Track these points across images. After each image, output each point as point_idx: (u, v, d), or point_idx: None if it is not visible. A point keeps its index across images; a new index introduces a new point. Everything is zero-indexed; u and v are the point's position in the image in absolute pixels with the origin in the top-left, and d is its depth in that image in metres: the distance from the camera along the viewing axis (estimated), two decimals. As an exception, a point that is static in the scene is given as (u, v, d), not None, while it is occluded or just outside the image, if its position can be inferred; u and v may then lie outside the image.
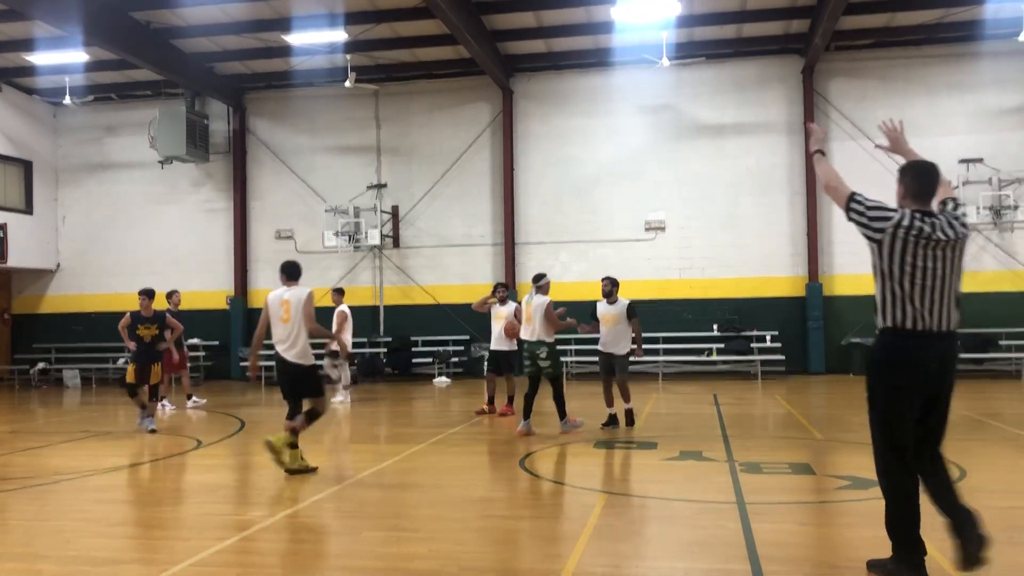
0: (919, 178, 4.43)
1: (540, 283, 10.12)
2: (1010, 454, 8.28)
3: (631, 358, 10.43)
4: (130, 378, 11.09)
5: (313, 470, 7.75)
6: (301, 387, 7.79)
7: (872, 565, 4.57)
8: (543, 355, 9.83)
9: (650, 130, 19.08)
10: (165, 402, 13.58)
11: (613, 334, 10.30)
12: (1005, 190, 17.14)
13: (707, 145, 18.77)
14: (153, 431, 10.74)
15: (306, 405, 7.82)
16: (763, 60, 18.68)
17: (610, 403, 10.37)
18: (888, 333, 4.34)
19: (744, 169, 18.51)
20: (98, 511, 6.67)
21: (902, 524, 4.34)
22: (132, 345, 11.13)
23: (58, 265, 21.59)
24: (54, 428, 12.02)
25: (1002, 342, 17.06)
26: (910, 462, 4.35)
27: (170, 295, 13.88)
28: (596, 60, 19.07)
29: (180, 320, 12.88)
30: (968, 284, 17.28)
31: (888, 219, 4.31)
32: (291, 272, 7.88)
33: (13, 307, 21.82)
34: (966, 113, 17.87)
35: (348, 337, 14.34)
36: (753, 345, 18.01)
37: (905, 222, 4.27)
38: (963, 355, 16.94)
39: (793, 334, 18.12)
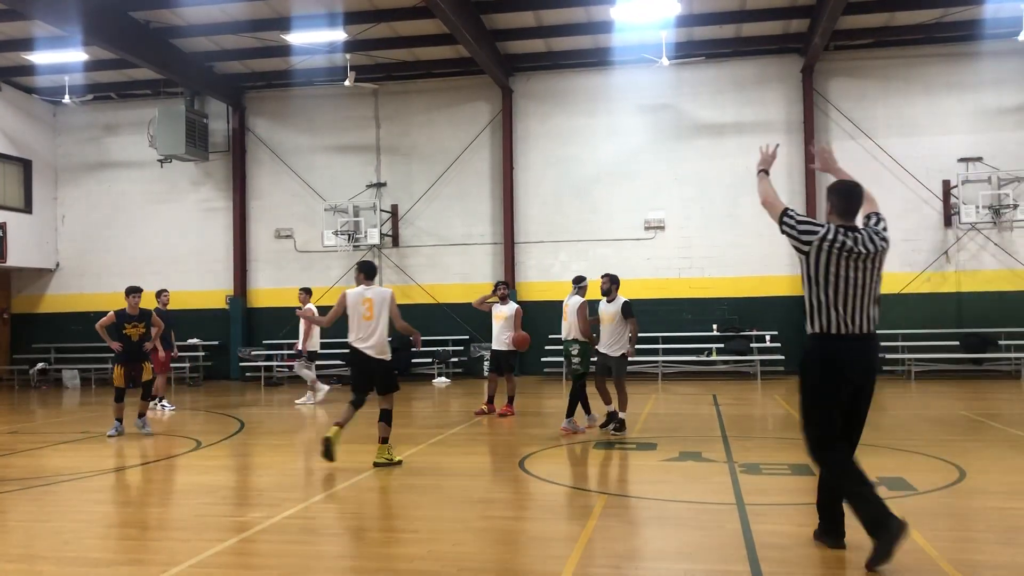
0: (843, 197, 4.94)
1: (580, 284, 10.39)
2: (1010, 455, 8.28)
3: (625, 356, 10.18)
4: (119, 382, 10.60)
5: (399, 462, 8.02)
6: (379, 381, 8.06)
7: (872, 564, 4.60)
8: (575, 352, 10.06)
9: (650, 130, 19.09)
10: (165, 402, 13.59)
11: (608, 334, 10.08)
12: (1004, 189, 17.15)
13: (707, 145, 18.77)
14: (149, 433, 10.55)
15: (381, 403, 8.08)
16: (762, 60, 18.68)
17: (607, 400, 10.25)
18: (816, 337, 4.84)
19: (744, 169, 18.48)
20: (97, 512, 6.68)
21: (863, 499, 4.62)
22: (116, 346, 10.63)
23: (57, 264, 21.58)
24: (53, 429, 12.01)
25: (1001, 342, 17.06)
26: (837, 443, 4.82)
27: (159, 294, 13.80)
28: (596, 60, 19.07)
29: (171, 319, 12.87)
30: (967, 283, 17.22)
31: (815, 233, 4.79)
32: (369, 272, 8.38)
33: (12, 306, 21.82)
34: (965, 112, 17.88)
35: (316, 338, 14.37)
36: (753, 345, 18.01)
37: (830, 236, 4.75)
38: (962, 355, 17.06)
39: (792, 334, 18.09)
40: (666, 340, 18.36)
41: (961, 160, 17.62)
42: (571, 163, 19.33)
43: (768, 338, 18.00)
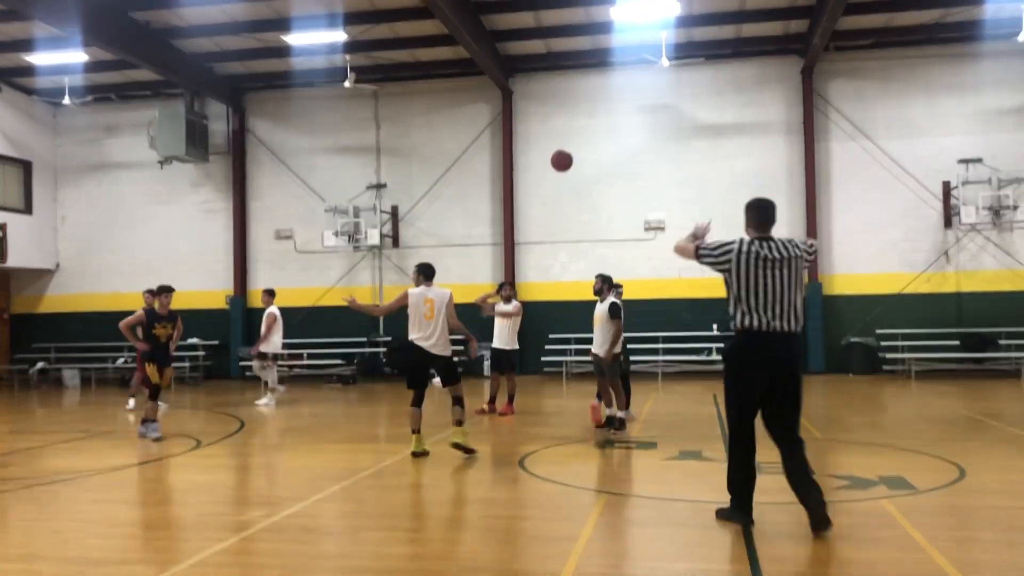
0: (759, 211, 5.57)
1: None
2: (1010, 454, 8.27)
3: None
4: (155, 379, 10.20)
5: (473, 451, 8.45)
6: (444, 375, 8.55)
7: (719, 513, 5.61)
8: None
9: (649, 130, 19.09)
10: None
11: (598, 334, 10.13)
12: (1004, 190, 17.14)
13: (706, 145, 18.77)
14: (158, 439, 10.11)
15: (451, 392, 8.52)
16: (762, 60, 18.68)
17: (609, 403, 10.27)
18: (743, 334, 5.40)
19: (743, 169, 18.50)
20: (97, 511, 6.67)
21: (741, 481, 5.46)
22: (143, 346, 10.22)
23: (57, 265, 21.58)
24: (53, 428, 12.01)
25: (1002, 342, 17.06)
26: (751, 433, 5.41)
27: (146, 294, 13.71)
28: (595, 60, 19.07)
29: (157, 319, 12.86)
30: (967, 284, 17.20)
31: (731, 250, 5.41)
32: (428, 273, 8.69)
33: (13, 307, 21.82)
34: (965, 113, 17.88)
35: (278, 339, 14.27)
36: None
37: (744, 247, 5.39)
38: (963, 355, 17.06)
39: (792, 334, 18.10)
40: (666, 340, 18.36)
41: (961, 161, 17.61)
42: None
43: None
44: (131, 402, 13.68)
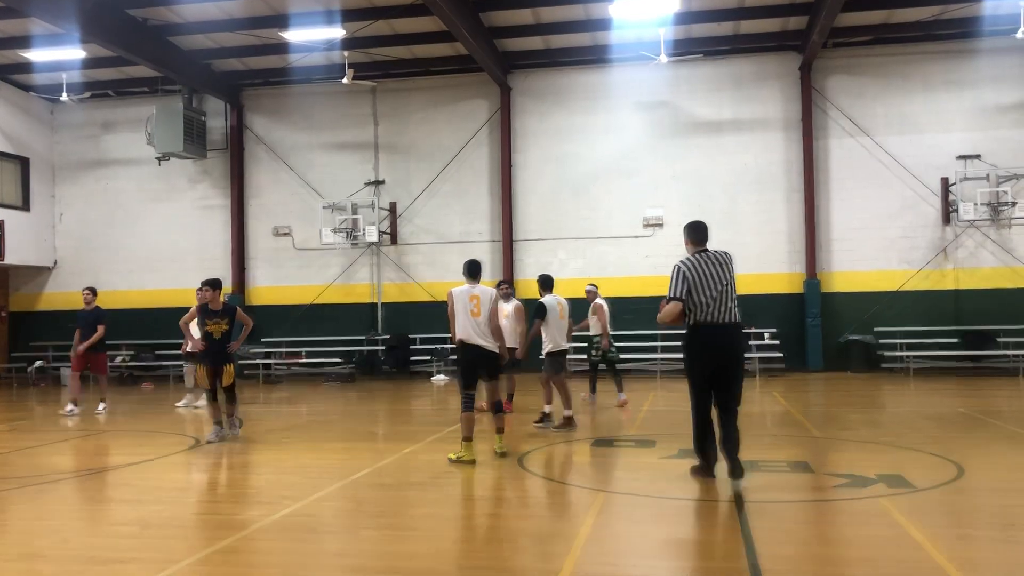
0: (695, 230, 6.94)
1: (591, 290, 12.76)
2: (1009, 452, 8.28)
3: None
4: (204, 382, 9.93)
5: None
6: (490, 370, 8.49)
7: (693, 470, 6.99)
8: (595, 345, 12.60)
9: (648, 127, 19.07)
10: (102, 404, 13.25)
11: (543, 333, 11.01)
12: (1003, 186, 17.14)
13: (705, 142, 18.76)
14: (236, 436, 9.99)
15: (489, 395, 8.60)
16: (761, 57, 18.67)
17: (567, 404, 10.56)
18: (692, 327, 6.71)
19: (742, 166, 18.51)
20: (96, 510, 6.67)
21: (704, 441, 6.84)
22: (200, 345, 9.80)
23: (55, 262, 21.55)
24: (52, 426, 11.99)
25: (1000, 339, 17.07)
26: (708, 404, 6.81)
27: (92, 290, 13.48)
28: (594, 57, 19.05)
29: (102, 318, 12.77)
30: (966, 281, 17.22)
31: (679, 271, 6.63)
32: (475, 271, 8.58)
33: (10, 304, 21.78)
34: (964, 109, 17.88)
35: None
36: (751, 342, 17.98)
37: (684, 263, 6.69)
38: (962, 352, 17.08)
39: (791, 331, 18.13)
40: (664, 338, 18.35)
41: (960, 157, 17.61)
42: (570, 160, 19.31)
43: (766, 335, 17.99)
44: (101, 405, 13.23)
